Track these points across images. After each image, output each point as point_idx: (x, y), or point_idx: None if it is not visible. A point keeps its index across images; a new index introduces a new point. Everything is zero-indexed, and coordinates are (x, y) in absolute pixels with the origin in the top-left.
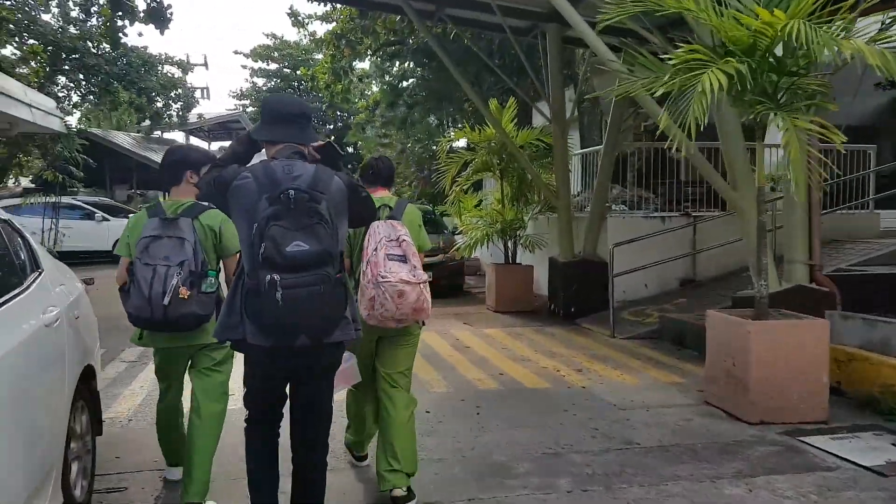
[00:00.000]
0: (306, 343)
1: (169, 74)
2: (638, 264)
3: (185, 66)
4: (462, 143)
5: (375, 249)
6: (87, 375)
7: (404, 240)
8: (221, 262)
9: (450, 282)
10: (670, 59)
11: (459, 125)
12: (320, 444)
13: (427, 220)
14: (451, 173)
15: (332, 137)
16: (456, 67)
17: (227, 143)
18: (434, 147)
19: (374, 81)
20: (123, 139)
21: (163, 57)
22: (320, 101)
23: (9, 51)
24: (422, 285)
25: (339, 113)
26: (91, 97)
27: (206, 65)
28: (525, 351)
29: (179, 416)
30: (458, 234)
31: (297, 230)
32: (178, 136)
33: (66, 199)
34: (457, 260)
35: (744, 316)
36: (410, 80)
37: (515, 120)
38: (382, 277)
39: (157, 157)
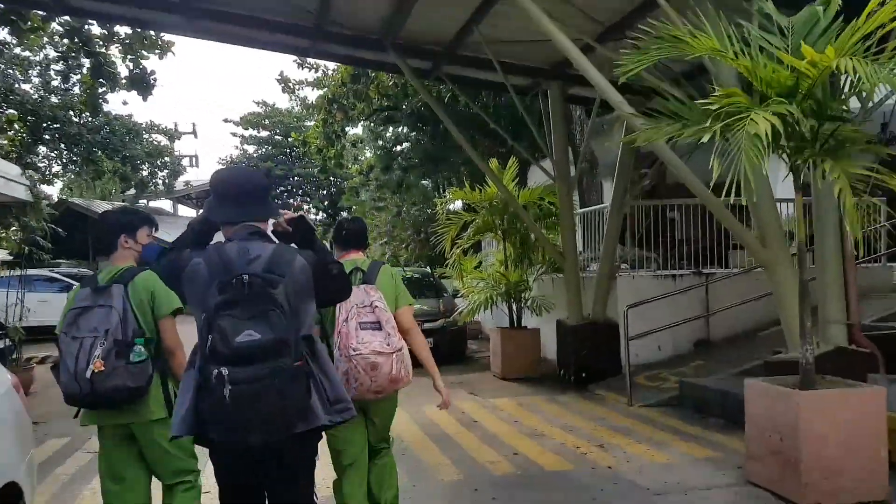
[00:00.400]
0: (259, 442)
1: (155, 142)
2: (650, 326)
3: (173, 135)
4: (458, 204)
5: (346, 319)
6: (6, 497)
7: (377, 305)
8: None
9: (451, 347)
10: (704, 104)
11: (455, 188)
12: None
13: (426, 283)
14: (451, 234)
15: (305, 208)
16: (454, 127)
17: None
18: (430, 210)
19: (367, 146)
20: (104, 207)
21: (148, 125)
22: (313, 167)
23: None
24: (396, 354)
25: (332, 178)
26: (73, 166)
27: (194, 133)
28: (539, 424)
29: None
30: (458, 296)
31: (249, 318)
32: (164, 204)
33: (43, 272)
34: (458, 324)
35: (788, 385)
36: (405, 144)
37: (517, 179)
38: (354, 350)
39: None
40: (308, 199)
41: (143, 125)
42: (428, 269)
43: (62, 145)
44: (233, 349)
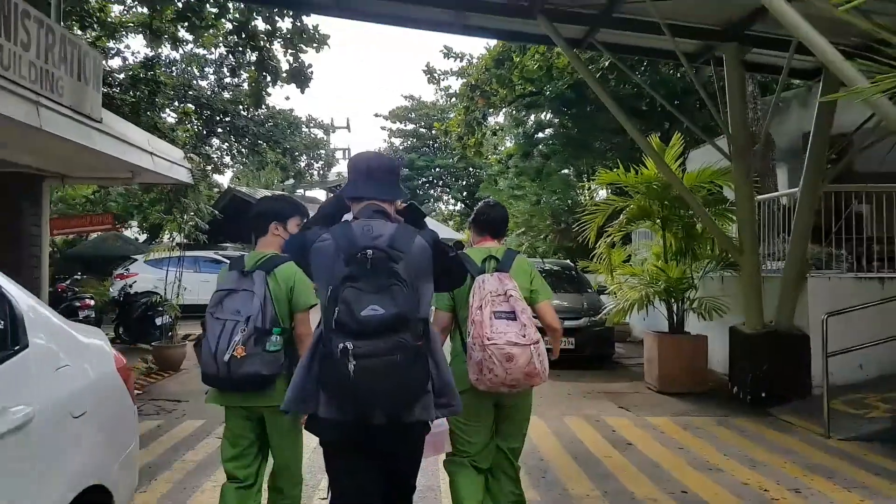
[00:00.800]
0: (383, 420)
1: (312, 135)
2: (851, 339)
3: (328, 128)
4: (602, 194)
5: (480, 307)
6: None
7: (512, 294)
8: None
9: (596, 350)
10: None
11: (604, 170)
12: (407, 493)
13: (567, 276)
14: (598, 223)
15: (415, 199)
16: (610, 100)
17: None
18: (571, 199)
19: (507, 135)
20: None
21: (307, 119)
22: (453, 157)
23: (169, 115)
24: (533, 346)
25: (471, 169)
26: (240, 157)
27: (348, 127)
28: (711, 455)
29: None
30: (604, 293)
31: (374, 293)
32: (319, 194)
33: (208, 254)
34: (604, 324)
35: None
36: (547, 131)
37: (681, 160)
38: (489, 340)
39: None
40: (448, 190)
41: (303, 119)
42: (569, 262)
43: (232, 137)
44: (358, 322)
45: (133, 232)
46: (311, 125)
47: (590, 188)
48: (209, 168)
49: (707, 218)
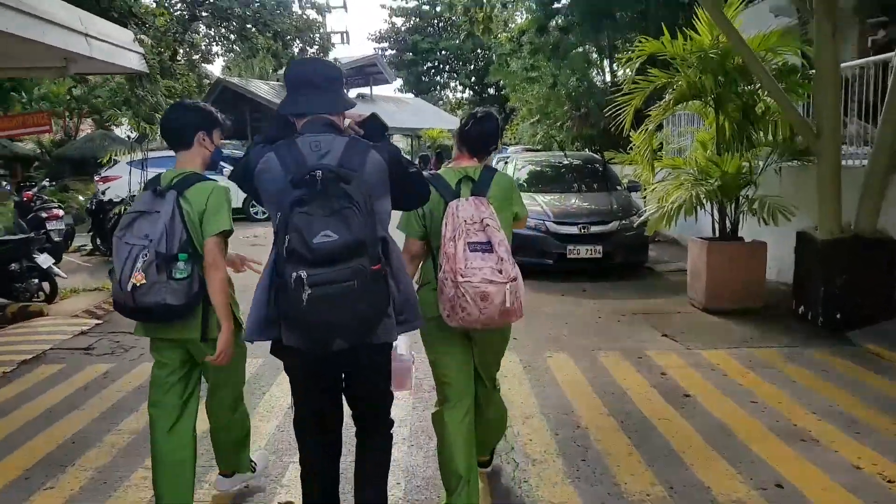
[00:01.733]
0: (343, 346)
1: (305, 16)
2: None
3: (322, 9)
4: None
5: (453, 238)
6: None
7: (488, 223)
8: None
9: (628, 257)
10: None
11: (644, 39)
12: (381, 413)
13: (593, 172)
14: (635, 105)
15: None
16: None
17: (365, 90)
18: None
19: (519, 10)
20: (260, 87)
21: None
22: (459, 37)
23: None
24: (510, 284)
25: (479, 51)
26: (228, 44)
27: (345, 6)
28: (795, 413)
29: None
30: (636, 191)
31: (326, 217)
32: None
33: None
34: (638, 229)
35: None
36: (563, 1)
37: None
38: (462, 276)
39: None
40: (455, 76)
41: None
42: (595, 154)
43: (218, 22)
44: (311, 249)
45: (125, 130)
46: (304, 4)
47: (628, 59)
48: (197, 58)
49: (779, 92)
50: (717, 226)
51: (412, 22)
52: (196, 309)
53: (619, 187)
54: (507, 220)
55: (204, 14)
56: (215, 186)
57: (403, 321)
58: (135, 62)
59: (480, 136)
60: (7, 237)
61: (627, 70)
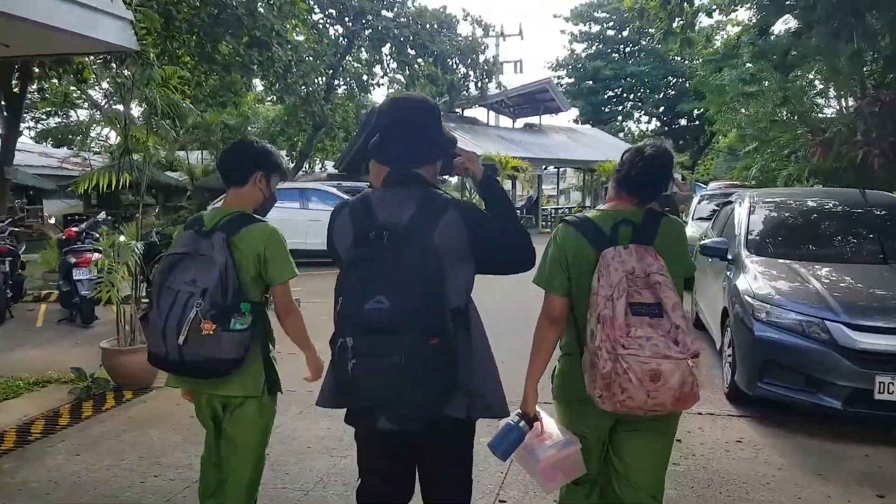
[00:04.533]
0: (387, 426)
1: (468, 37)
2: None
3: (488, 28)
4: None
5: (610, 297)
6: None
7: (658, 280)
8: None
9: None
10: None
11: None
12: None
13: (861, 222)
14: None
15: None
16: None
17: (534, 119)
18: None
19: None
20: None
21: (462, 15)
22: (648, 64)
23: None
24: (690, 360)
25: (670, 78)
26: (389, 71)
27: (520, 34)
28: None
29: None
30: None
31: (382, 281)
32: (478, 113)
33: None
34: None
35: None
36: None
37: None
38: (624, 348)
39: (458, 135)
40: (640, 104)
41: (456, 18)
42: (860, 191)
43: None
44: (361, 316)
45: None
46: (468, 21)
47: None
48: (358, 90)
49: None
50: None
51: (594, 48)
52: (250, 362)
53: None
54: (678, 279)
55: (365, 32)
56: (272, 231)
57: (486, 406)
58: (127, 40)
59: (656, 172)
60: None
61: None
